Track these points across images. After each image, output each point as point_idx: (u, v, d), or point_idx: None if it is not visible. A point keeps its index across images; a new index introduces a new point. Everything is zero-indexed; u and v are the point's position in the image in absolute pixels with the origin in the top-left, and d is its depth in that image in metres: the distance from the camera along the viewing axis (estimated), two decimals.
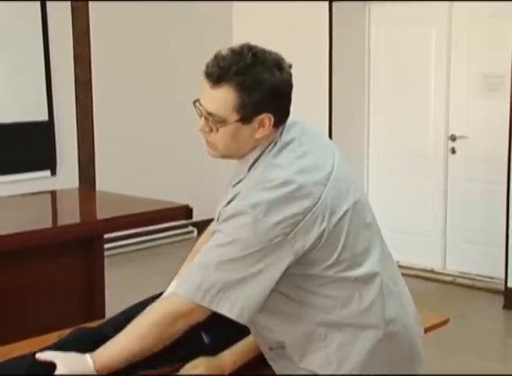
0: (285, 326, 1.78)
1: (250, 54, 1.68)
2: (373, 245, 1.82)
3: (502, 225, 4.74)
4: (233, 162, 1.88)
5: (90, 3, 5.69)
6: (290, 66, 1.76)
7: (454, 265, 5.45)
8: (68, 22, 5.62)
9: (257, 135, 1.73)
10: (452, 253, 5.50)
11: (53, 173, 5.61)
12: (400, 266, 2.18)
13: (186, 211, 3.42)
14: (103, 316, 3.06)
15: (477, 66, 5.21)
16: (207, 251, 1.72)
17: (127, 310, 2.20)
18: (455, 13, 5.32)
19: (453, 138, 5.40)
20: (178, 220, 3.95)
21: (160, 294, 2.22)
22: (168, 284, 2.27)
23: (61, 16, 5.55)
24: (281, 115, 1.76)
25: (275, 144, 1.76)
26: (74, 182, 5.61)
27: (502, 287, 4.78)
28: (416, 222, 5.64)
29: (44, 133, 5.54)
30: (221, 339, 2.02)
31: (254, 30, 6.19)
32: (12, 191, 4.18)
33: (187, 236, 6.42)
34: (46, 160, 5.59)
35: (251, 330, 1.93)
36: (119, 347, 1.74)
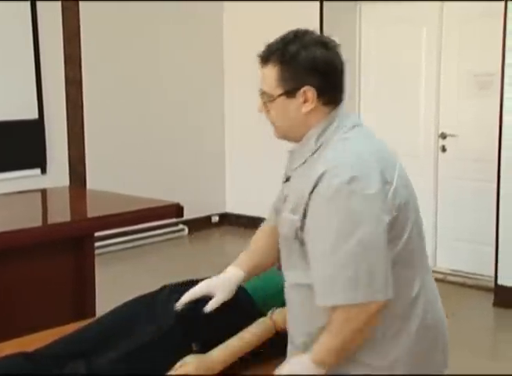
0: None
1: (292, 35, 1.83)
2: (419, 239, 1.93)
3: (492, 224, 4.74)
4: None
5: (80, 3, 5.69)
6: (337, 46, 1.84)
7: (445, 263, 5.46)
8: (58, 22, 5.62)
9: (304, 109, 1.82)
10: (442, 251, 5.51)
11: (43, 171, 5.59)
12: None
13: (177, 210, 3.42)
14: (94, 315, 3.06)
15: (467, 65, 5.21)
16: (330, 250, 1.70)
17: (116, 309, 2.20)
18: (445, 13, 5.33)
19: (444, 136, 5.41)
20: (169, 218, 3.95)
21: (153, 292, 2.22)
22: (158, 283, 2.27)
23: (51, 16, 5.54)
24: (325, 90, 1.81)
25: (338, 123, 1.82)
26: (65, 181, 5.61)
27: (493, 285, 4.79)
28: None
29: (34, 131, 5.52)
30: (211, 346, 2.02)
31: (244, 29, 6.18)
32: (1, 189, 4.16)
33: (178, 235, 6.39)
34: (36, 158, 5.57)
35: (298, 313, 1.89)
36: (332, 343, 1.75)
